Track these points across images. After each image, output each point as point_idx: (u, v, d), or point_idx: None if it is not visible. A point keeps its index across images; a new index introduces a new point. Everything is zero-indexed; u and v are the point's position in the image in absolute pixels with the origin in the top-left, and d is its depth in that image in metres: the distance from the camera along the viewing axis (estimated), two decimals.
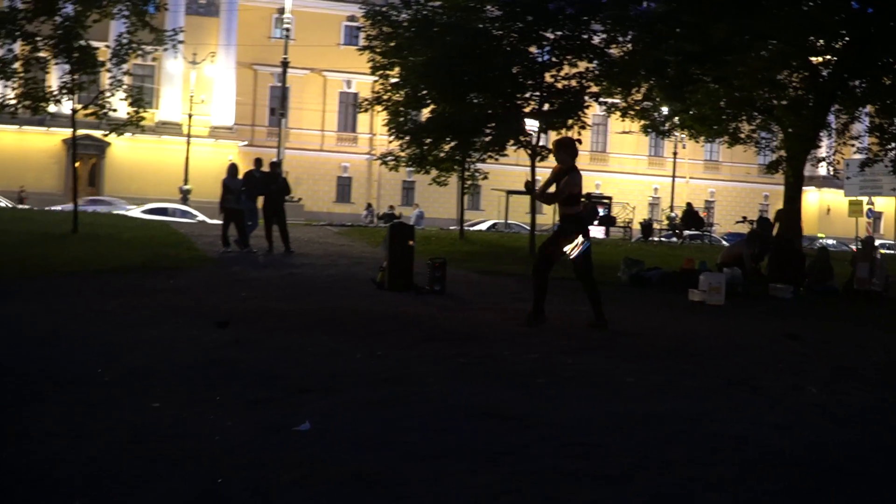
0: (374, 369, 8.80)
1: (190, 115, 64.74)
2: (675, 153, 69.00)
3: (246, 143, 71.24)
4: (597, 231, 43.92)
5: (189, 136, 64.53)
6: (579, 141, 12.52)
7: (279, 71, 55.49)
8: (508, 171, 58.19)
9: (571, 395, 8.08)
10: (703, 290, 17.26)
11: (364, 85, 70.23)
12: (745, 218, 27.68)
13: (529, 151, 28.86)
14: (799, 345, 12.16)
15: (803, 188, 26.03)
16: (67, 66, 25.79)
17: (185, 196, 60.32)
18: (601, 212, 47.00)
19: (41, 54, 26.06)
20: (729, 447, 6.48)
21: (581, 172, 12.37)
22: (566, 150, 12.29)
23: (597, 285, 12.48)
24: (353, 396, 7.58)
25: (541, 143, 29.48)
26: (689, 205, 47.59)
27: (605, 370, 9.36)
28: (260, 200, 24.79)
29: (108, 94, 25.91)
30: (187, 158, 63.15)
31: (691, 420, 7.28)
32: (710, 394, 8.45)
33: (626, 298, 17.28)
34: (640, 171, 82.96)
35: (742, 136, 29.53)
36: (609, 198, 55.70)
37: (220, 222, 26.56)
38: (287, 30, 46.91)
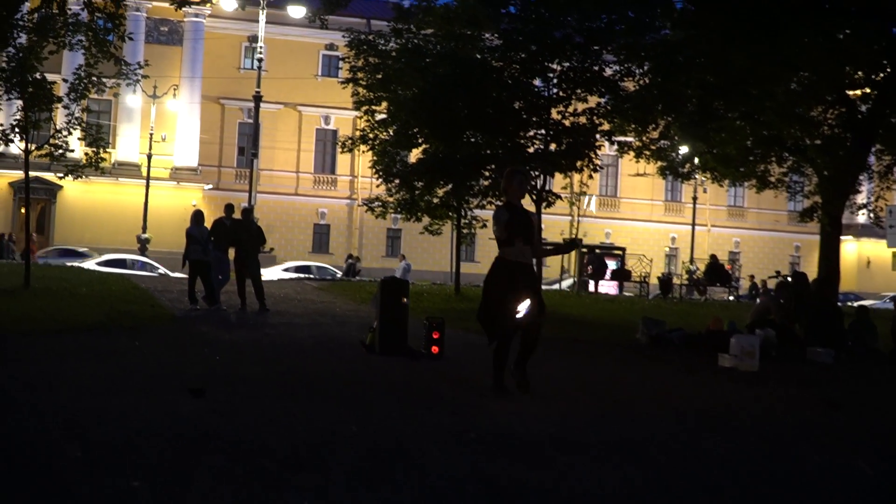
0: (368, 441, 8.84)
1: (149, 156, 64.20)
2: (695, 198, 68.94)
3: (211, 186, 71.29)
4: (609, 286, 44.06)
5: (148, 178, 64.00)
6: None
7: (250, 106, 55.78)
8: None
9: (588, 467, 8.13)
10: (735, 355, 17.31)
11: (344, 121, 70.89)
12: (778, 273, 27.75)
13: (534, 196, 28.88)
14: (843, 414, 12.23)
15: (841, 238, 26.14)
16: (20, 103, 25.87)
17: (143, 246, 60.33)
18: (612, 264, 47.10)
19: None
20: None
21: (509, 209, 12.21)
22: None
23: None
24: (346, 472, 7.64)
25: (546, 188, 29.50)
26: (713, 257, 47.67)
27: (625, 440, 9.42)
28: (231, 251, 24.86)
29: (64, 132, 26.04)
30: (146, 203, 62.76)
31: (733, 501, 7.33)
32: (749, 468, 8.50)
33: (647, 363, 17.33)
34: (656, 219, 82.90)
35: (771, 179, 29.74)
36: (622, 249, 55.90)
37: (184, 276, 26.60)
38: (259, 60, 47.12)
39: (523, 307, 11.65)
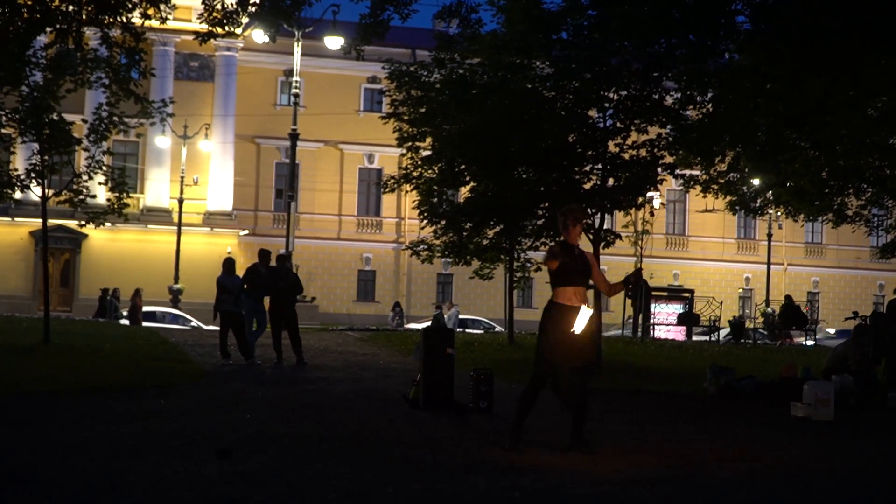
0: None
1: (180, 200, 64.02)
2: (769, 235, 68.24)
3: (247, 231, 71.59)
4: (677, 332, 43.84)
5: (180, 224, 63.92)
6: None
7: (287, 145, 55.79)
8: None
9: None
10: (808, 404, 17.15)
11: (389, 159, 70.87)
12: (856, 314, 27.47)
13: (591, 236, 28.71)
14: None
15: None
16: (36, 145, 26.04)
17: (176, 297, 60.53)
18: (679, 308, 46.88)
19: (4, 131, 26.39)
20: None
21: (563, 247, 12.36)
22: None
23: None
24: None
25: (605, 226, 29.34)
26: (788, 298, 47.38)
27: (691, 502, 9.33)
28: (266, 301, 24.91)
29: (84, 177, 26.21)
30: (178, 252, 62.75)
31: None
32: None
33: (715, 415, 17.23)
34: (727, 258, 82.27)
35: (849, 213, 29.51)
36: (690, 291, 55.67)
37: (216, 328, 26.68)
38: (296, 95, 47.28)
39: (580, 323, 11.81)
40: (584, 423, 12.15)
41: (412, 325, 54.32)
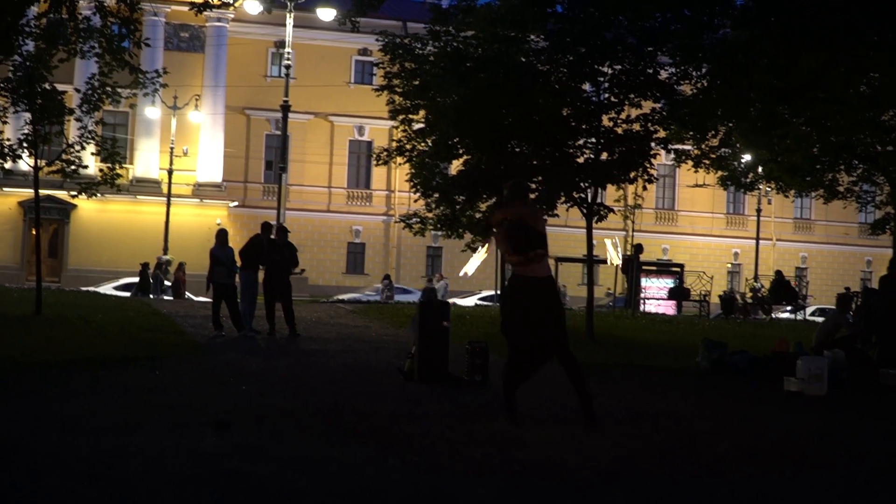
0: (410, 482, 8.80)
1: (170, 171, 63.86)
2: (758, 210, 68.43)
3: (237, 203, 71.61)
4: (667, 306, 43.83)
5: (169, 195, 63.84)
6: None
7: (277, 116, 55.83)
8: (558, 233, 58.28)
9: None
10: (801, 378, 17.18)
11: (380, 131, 70.86)
12: (848, 289, 27.53)
13: (584, 210, 28.68)
14: None
15: None
16: (28, 116, 25.95)
17: (165, 268, 60.37)
18: (670, 282, 46.85)
19: None
20: None
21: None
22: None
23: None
24: None
25: (598, 201, 29.29)
26: (778, 273, 47.40)
27: (691, 478, 9.33)
28: (260, 274, 24.88)
29: (77, 147, 26.12)
30: (167, 223, 62.57)
31: None
32: None
33: (708, 389, 17.26)
34: (717, 233, 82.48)
35: (840, 188, 29.52)
36: (680, 265, 55.69)
37: (208, 300, 26.63)
38: (287, 67, 47.10)
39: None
40: (588, 396, 12.17)
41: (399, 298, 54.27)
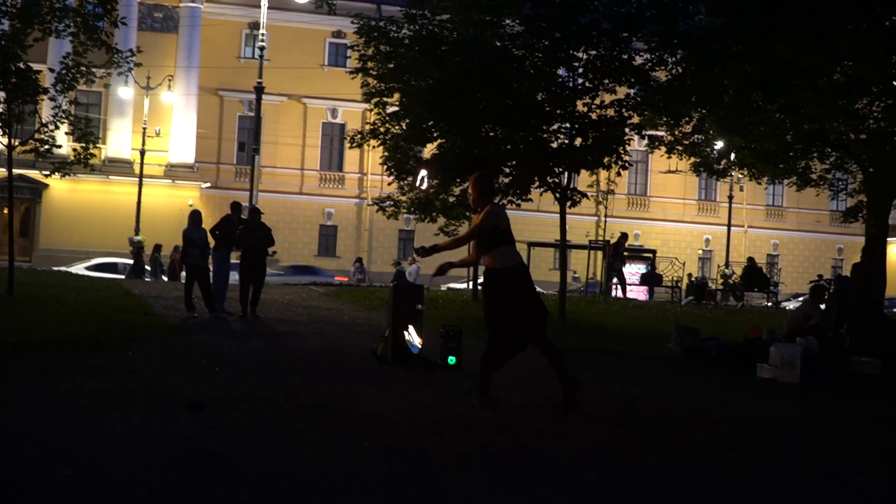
0: (385, 465, 8.80)
1: (142, 152, 63.48)
2: (730, 197, 68.48)
3: (209, 184, 71.34)
4: (639, 292, 43.92)
5: (141, 176, 63.39)
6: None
7: (251, 98, 55.77)
8: (531, 218, 58.42)
9: (630, 497, 8.06)
10: (775, 365, 17.25)
11: (353, 114, 70.81)
12: (820, 276, 27.65)
13: (558, 195, 28.70)
14: (893, 431, 12.21)
15: (888, 239, 26.02)
16: (2, 94, 25.80)
17: (136, 249, 60.16)
18: (642, 268, 46.92)
19: None
20: None
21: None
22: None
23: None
24: (366, 500, 7.60)
25: (571, 185, 29.29)
26: (750, 260, 47.52)
27: (666, 464, 9.36)
28: (233, 255, 24.86)
29: (50, 126, 25.99)
30: (139, 203, 61.84)
31: None
32: (797, 495, 8.45)
33: (681, 375, 17.31)
34: (689, 219, 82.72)
35: (812, 176, 29.56)
36: (652, 251, 55.84)
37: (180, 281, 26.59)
38: (261, 48, 47.05)
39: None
40: (569, 380, 12.17)
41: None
